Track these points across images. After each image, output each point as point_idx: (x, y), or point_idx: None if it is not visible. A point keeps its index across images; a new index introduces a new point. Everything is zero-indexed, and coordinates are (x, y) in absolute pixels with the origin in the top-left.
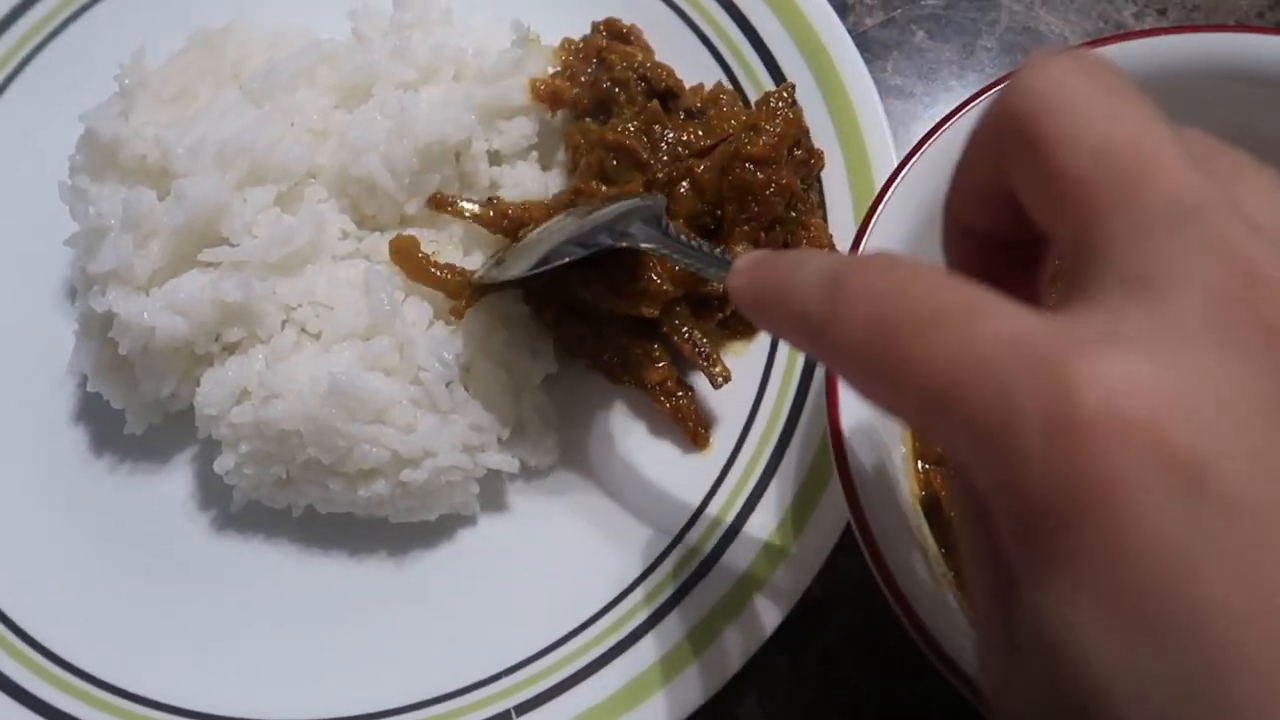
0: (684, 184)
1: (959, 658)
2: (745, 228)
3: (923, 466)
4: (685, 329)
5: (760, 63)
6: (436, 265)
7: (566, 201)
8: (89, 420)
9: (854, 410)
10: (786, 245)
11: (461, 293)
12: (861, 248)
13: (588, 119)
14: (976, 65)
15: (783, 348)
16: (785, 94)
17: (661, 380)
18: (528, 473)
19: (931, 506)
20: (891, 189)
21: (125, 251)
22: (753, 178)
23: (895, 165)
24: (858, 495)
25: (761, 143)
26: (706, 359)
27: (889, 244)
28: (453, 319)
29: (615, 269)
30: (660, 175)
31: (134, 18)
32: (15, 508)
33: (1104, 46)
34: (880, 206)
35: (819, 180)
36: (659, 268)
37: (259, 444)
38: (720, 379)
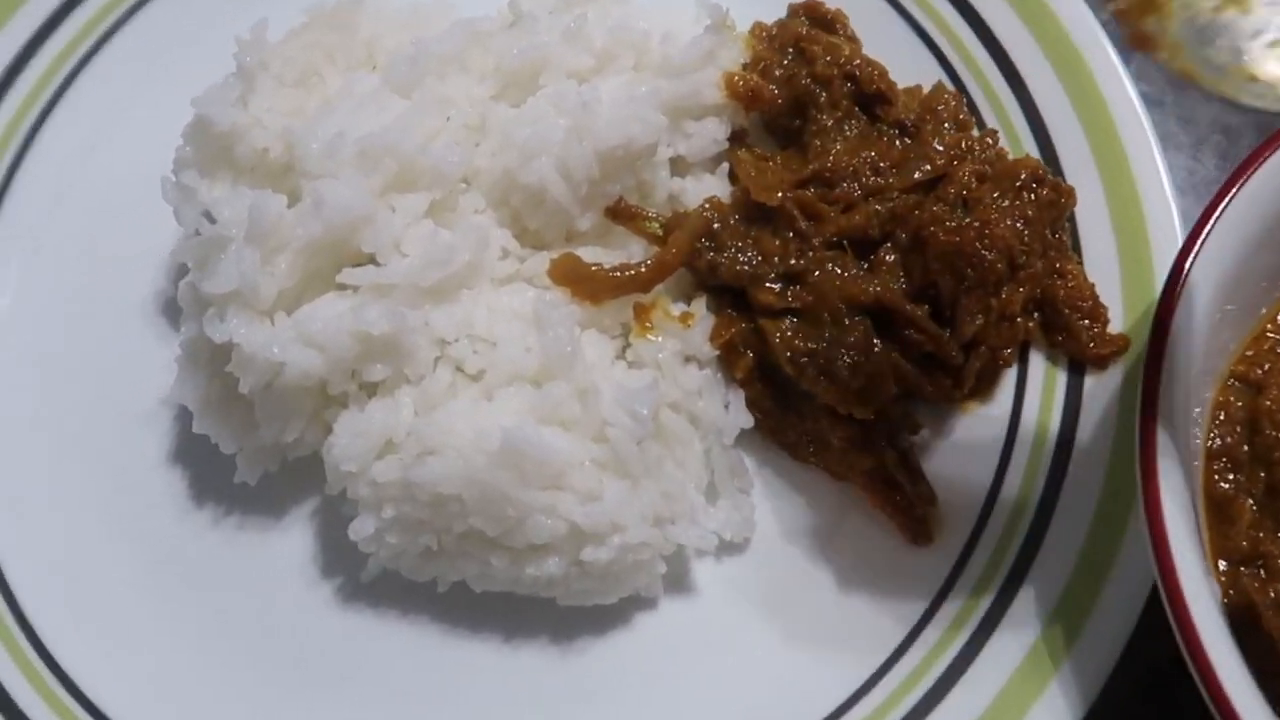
0: (886, 249)
1: None
2: (972, 299)
3: (1224, 566)
4: (895, 436)
5: (992, 61)
6: (611, 271)
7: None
8: (188, 462)
9: (1174, 495)
10: (1040, 304)
11: (657, 278)
12: (1176, 303)
13: (779, 122)
14: None
15: (1030, 410)
16: (990, 139)
17: (873, 469)
18: (719, 548)
19: (1238, 616)
20: (1201, 239)
21: (250, 269)
22: (951, 238)
23: (1166, 193)
24: (1187, 607)
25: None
26: (912, 477)
27: (1202, 304)
28: (638, 336)
29: (835, 346)
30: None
31: None
32: (96, 568)
33: None
34: (1189, 263)
35: (1071, 219)
36: (884, 357)
37: (407, 509)
38: (923, 503)
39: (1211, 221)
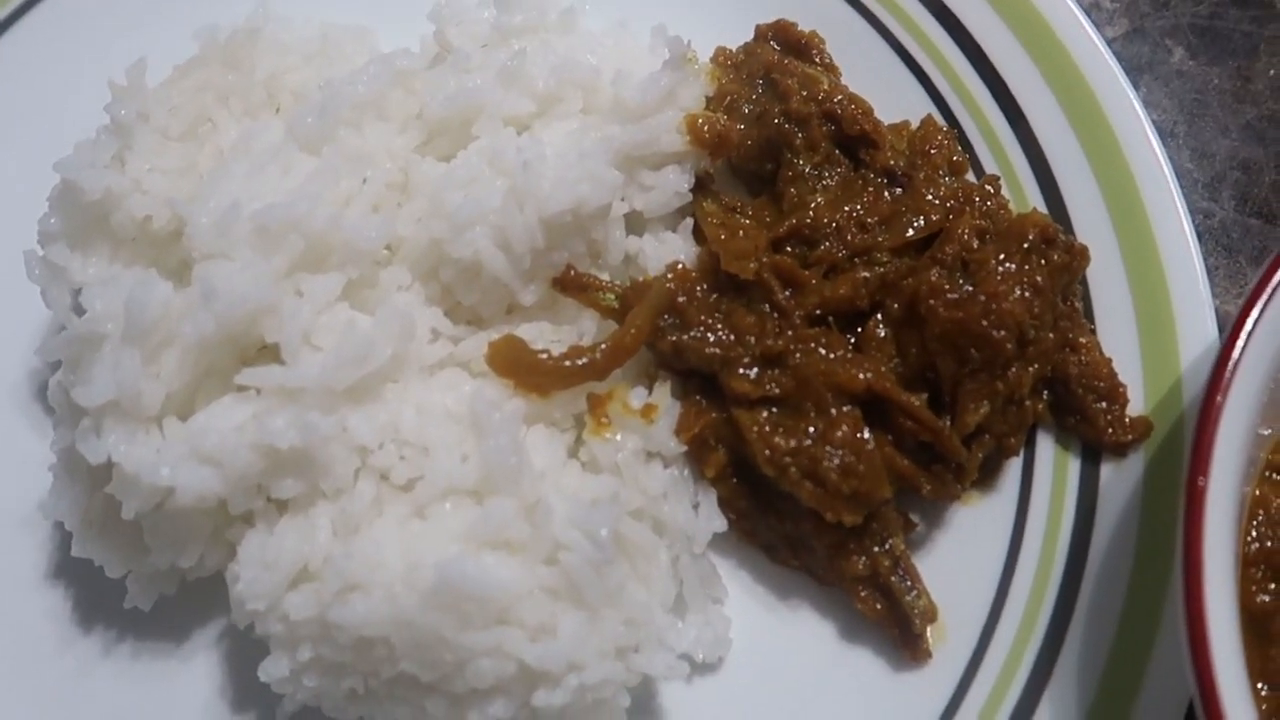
0: (877, 321)
1: None
2: (975, 383)
3: (1265, 690)
4: (886, 540)
5: (987, 90)
6: (560, 359)
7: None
8: (72, 578)
9: (1221, 614)
10: (1051, 383)
11: (614, 363)
12: (1223, 396)
13: (750, 166)
14: (1254, 97)
15: (1039, 503)
16: (990, 186)
17: (862, 577)
18: (690, 668)
19: None
20: (1249, 324)
21: (129, 374)
22: (953, 315)
23: (1191, 249)
24: None
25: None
26: (907, 585)
27: (1250, 394)
28: (593, 435)
29: (820, 443)
30: (777, 343)
31: (112, 8)
32: None
33: None
34: (1237, 351)
35: (1082, 282)
36: (875, 454)
37: (326, 650)
38: (921, 620)
39: (1270, 288)
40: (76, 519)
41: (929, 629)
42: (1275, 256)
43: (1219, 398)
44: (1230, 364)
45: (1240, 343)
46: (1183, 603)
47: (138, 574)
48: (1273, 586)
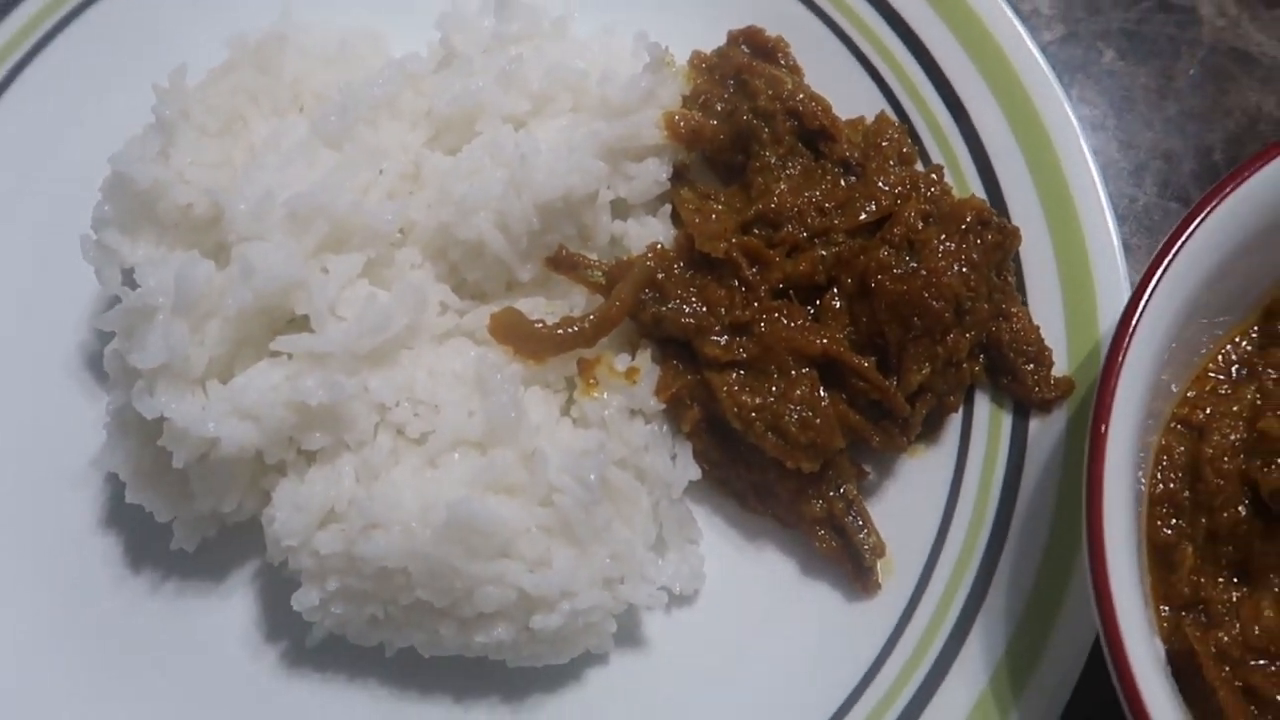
0: (833, 294)
1: None
2: (919, 347)
3: (1166, 611)
4: (840, 485)
5: (933, 88)
6: (554, 328)
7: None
8: (123, 526)
9: (1119, 544)
10: (986, 347)
11: (601, 332)
12: (1122, 357)
13: (721, 158)
14: (1176, 93)
15: (976, 454)
16: (934, 175)
17: (820, 519)
18: (669, 599)
19: (1181, 662)
20: (1146, 295)
21: (179, 340)
22: (899, 287)
23: (1110, 230)
24: (1128, 657)
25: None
26: (859, 525)
27: (1146, 355)
28: (583, 395)
29: (783, 400)
30: (745, 313)
31: (154, 19)
32: (31, 640)
33: None
34: (1136, 317)
35: (1015, 259)
36: (830, 410)
37: (352, 581)
38: (870, 555)
39: (1164, 264)
40: (130, 469)
41: (878, 564)
42: (1169, 235)
43: (1119, 358)
44: (1129, 329)
45: (1137, 312)
46: (1085, 528)
47: (183, 518)
48: (1174, 522)
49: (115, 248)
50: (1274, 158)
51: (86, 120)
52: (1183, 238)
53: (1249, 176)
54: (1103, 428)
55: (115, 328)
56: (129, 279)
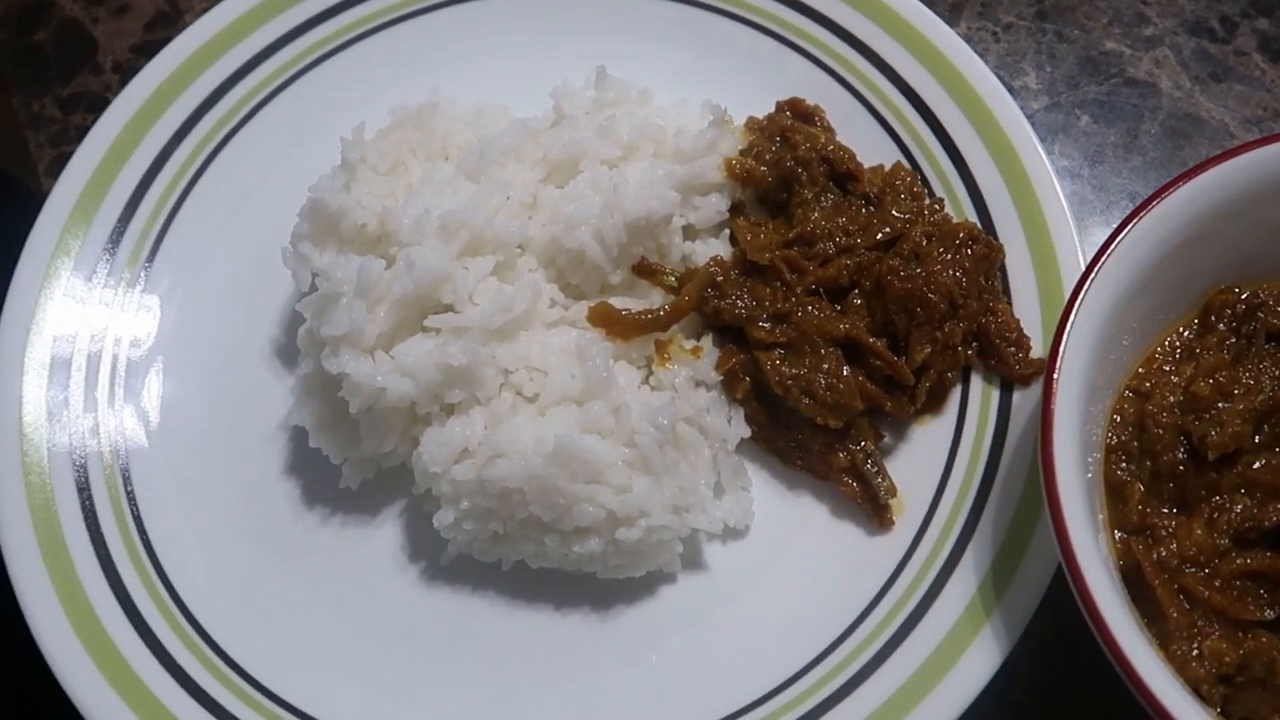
0: (854, 294)
1: (1173, 709)
2: (921, 332)
3: (1119, 535)
4: (861, 441)
5: (939, 145)
6: (637, 315)
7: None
8: (300, 474)
9: (1068, 475)
10: (977, 336)
11: (673, 320)
12: (1064, 341)
13: (768, 196)
14: (1140, 149)
15: (971, 422)
16: (936, 205)
17: (845, 468)
18: (725, 533)
19: (1130, 575)
20: (1084, 289)
21: (358, 316)
22: (904, 285)
23: (1076, 248)
24: (1078, 562)
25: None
26: (876, 473)
27: (1087, 335)
28: (659, 366)
29: (814, 371)
30: (784, 307)
31: (336, 92)
32: (231, 555)
33: (1275, 144)
34: (1076, 305)
35: (1002, 269)
36: (852, 380)
37: (480, 500)
38: (886, 494)
39: (1093, 274)
40: (313, 421)
41: (892, 505)
42: (1105, 240)
43: (1062, 343)
44: (1075, 303)
45: (1083, 291)
46: (1040, 456)
47: (351, 460)
48: (1125, 466)
49: (308, 255)
50: (1194, 176)
51: (289, 163)
52: (1115, 241)
53: (1176, 188)
54: (1054, 376)
55: (309, 311)
56: (318, 280)
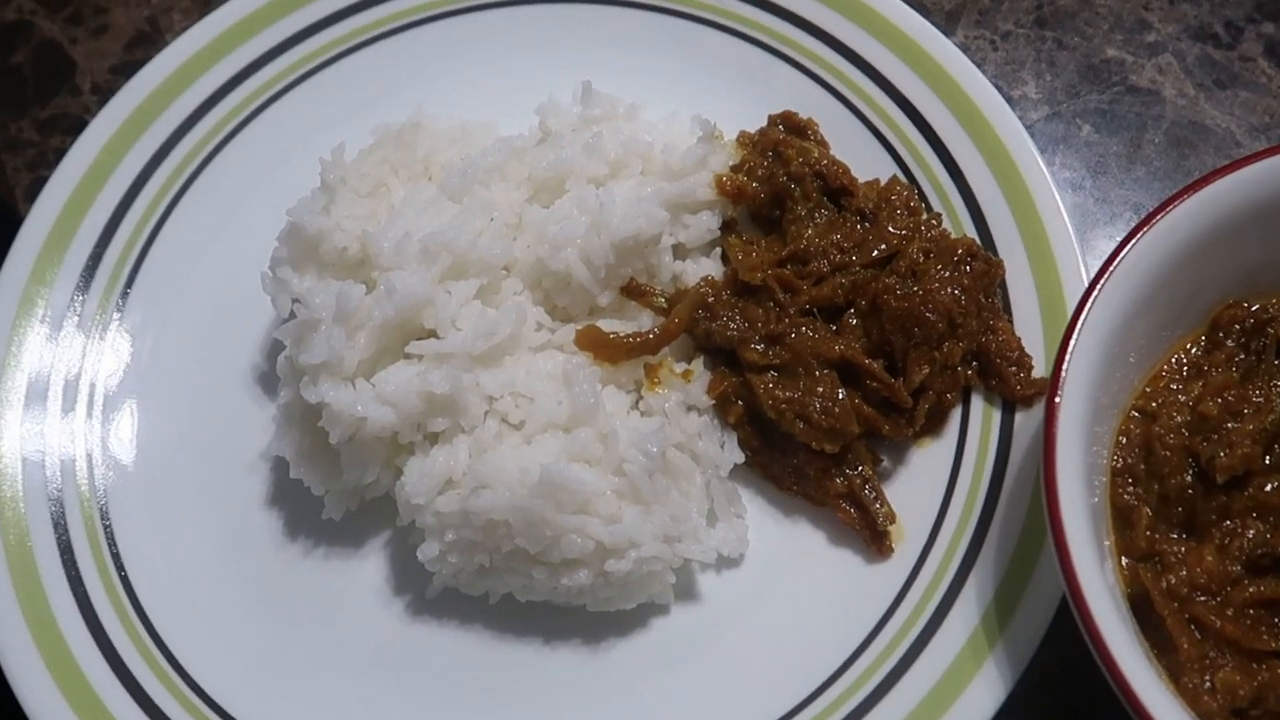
0: (850, 314)
1: None
2: (919, 353)
3: (1126, 562)
4: (858, 466)
5: (937, 159)
6: (625, 338)
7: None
8: (283, 505)
9: (1072, 501)
10: (977, 355)
11: (663, 342)
12: (1066, 361)
13: (760, 214)
14: (1144, 159)
15: (972, 444)
16: (934, 220)
17: (842, 494)
18: (719, 562)
19: (1139, 603)
20: (1088, 306)
21: (337, 343)
22: (901, 304)
23: (1079, 263)
24: (1082, 591)
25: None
26: (874, 498)
27: (1091, 354)
28: (648, 390)
29: (809, 395)
30: (776, 328)
31: (316, 112)
32: (211, 590)
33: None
34: (1079, 323)
35: (1002, 285)
36: (848, 403)
37: (465, 532)
38: (885, 520)
39: (1096, 290)
40: (293, 451)
41: (891, 532)
42: (1108, 258)
43: (1064, 362)
44: (1079, 320)
45: (1086, 308)
46: (1043, 485)
47: (333, 492)
48: (1132, 489)
49: (287, 280)
50: (1200, 188)
51: (271, 185)
52: (1119, 257)
53: (1182, 200)
54: (1057, 396)
55: (287, 338)
56: (298, 305)
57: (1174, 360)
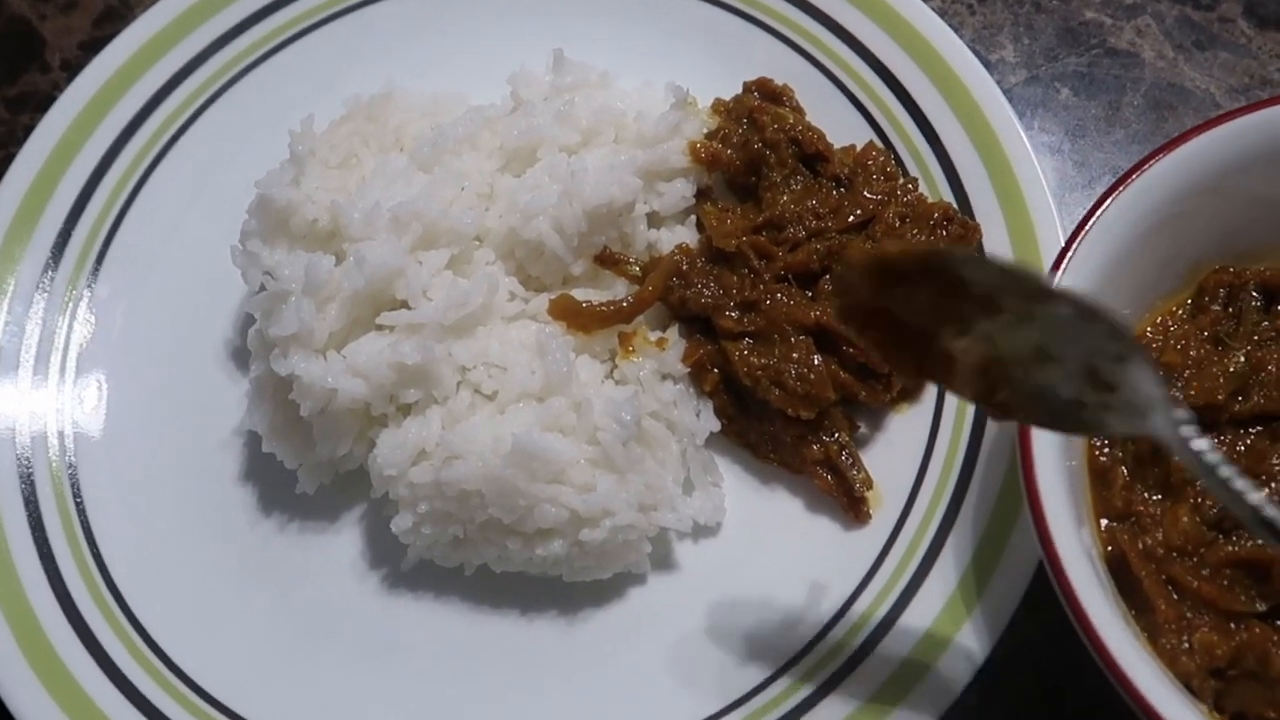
0: (825, 280)
1: (1160, 706)
2: None
3: (1105, 524)
4: (835, 433)
5: (914, 124)
6: (599, 306)
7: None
8: (257, 480)
9: (1047, 465)
10: None
11: (637, 311)
12: None
13: (736, 181)
14: (1123, 121)
15: (949, 409)
16: (910, 185)
17: (819, 460)
18: (696, 531)
19: (1117, 565)
20: (1063, 267)
21: (307, 315)
22: None
23: (1056, 226)
24: (1058, 552)
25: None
26: (851, 464)
27: None
28: (622, 359)
29: (784, 361)
30: (750, 294)
31: (287, 86)
32: (185, 566)
33: (1259, 111)
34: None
35: (978, 250)
36: (824, 369)
37: (439, 504)
38: (862, 486)
39: (1071, 252)
40: (266, 425)
41: (869, 498)
42: (1083, 217)
43: None
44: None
45: (1062, 267)
46: (1020, 459)
47: (306, 465)
48: (1108, 449)
49: (257, 253)
50: (1174, 148)
51: (242, 159)
52: (1093, 218)
53: (1156, 160)
54: None
55: (257, 311)
56: (268, 278)
57: (1159, 321)
